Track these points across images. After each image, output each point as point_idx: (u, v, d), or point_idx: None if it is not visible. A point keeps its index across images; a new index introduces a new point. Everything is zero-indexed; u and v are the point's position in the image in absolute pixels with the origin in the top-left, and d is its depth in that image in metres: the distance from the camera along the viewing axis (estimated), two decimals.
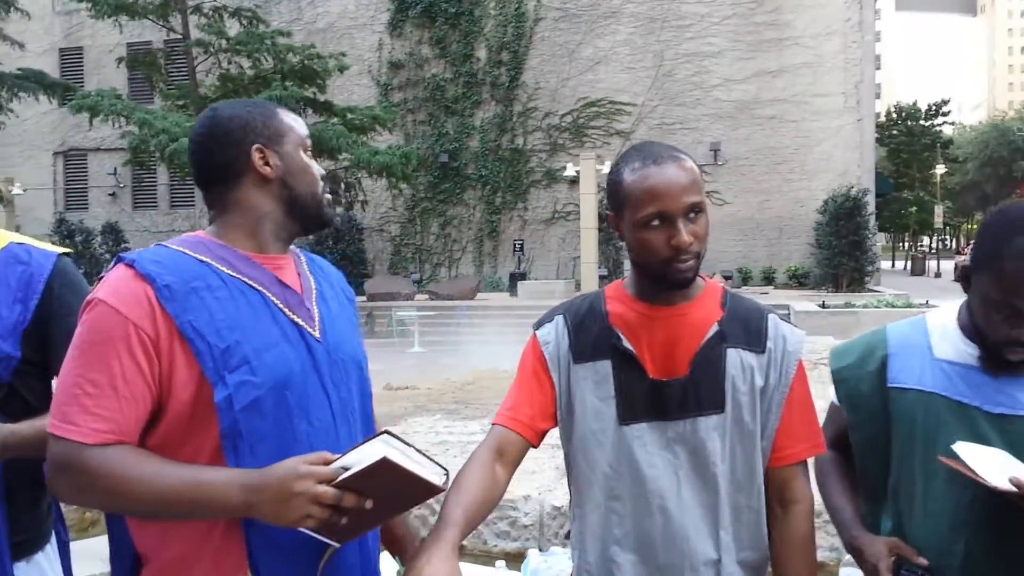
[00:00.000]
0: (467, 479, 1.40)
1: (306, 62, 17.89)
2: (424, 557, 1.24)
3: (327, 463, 1.19)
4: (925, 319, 1.62)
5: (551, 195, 23.12)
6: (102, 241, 23.62)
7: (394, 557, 1.55)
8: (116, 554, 1.35)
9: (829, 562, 3.48)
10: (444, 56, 23.71)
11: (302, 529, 1.20)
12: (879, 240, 29.01)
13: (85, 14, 19.72)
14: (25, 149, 26.92)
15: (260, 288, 1.35)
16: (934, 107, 44.61)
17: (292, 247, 1.49)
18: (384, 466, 1.15)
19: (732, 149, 21.78)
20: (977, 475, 1.33)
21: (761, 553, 1.50)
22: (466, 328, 16.07)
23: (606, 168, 14.44)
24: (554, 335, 1.54)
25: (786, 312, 14.61)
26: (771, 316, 1.53)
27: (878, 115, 36.76)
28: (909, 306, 14.71)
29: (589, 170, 17.27)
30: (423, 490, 1.24)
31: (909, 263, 42.43)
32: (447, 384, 9.83)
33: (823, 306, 15.35)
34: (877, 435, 1.58)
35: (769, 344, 1.49)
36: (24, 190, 23.38)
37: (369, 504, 1.19)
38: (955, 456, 1.38)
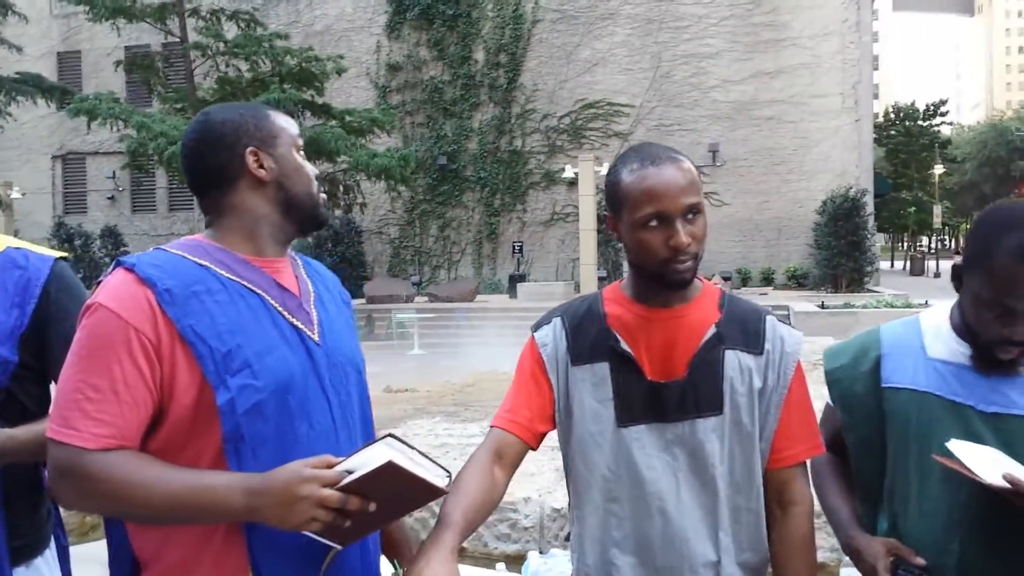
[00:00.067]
0: (466, 482, 1.40)
1: (304, 65, 17.90)
2: (423, 560, 1.24)
3: (330, 466, 1.20)
4: (919, 319, 1.62)
5: (550, 197, 23.13)
6: (101, 245, 23.63)
7: (391, 561, 1.55)
8: (115, 559, 1.35)
9: (830, 563, 3.48)
10: (442, 58, 23.73)
11: (305, 532, 1.20)
12: (878, 240, 29.04)
13: (83, 17, 19.73)
14: (23, 153, 26.93)
15: (259, 291, 1.35)
16: (932, 107, 44.65)
17: (289, 251, 1.49)
18: (389, 470, 1.15)
19: (730, 150, 21.79)
20: (971, 472, 1.33)
21: (761, 555, 1.50)
22: (465, 330, 16.07)
23: (604, 169, 14.43)
24: (552, 337, 1.54)
25: (785, 313, 14.62)
26: (769, 317, 1.53)
27: (876, 115, 36.75)
28: (908, 306, 14.71)
29: (588, 172, 17.27)
30: (426, 493, 1.24)
31: (908, 263, 42.48)
32: (447, 386, 9.82)
33: (822, 307, 15.36)
34: (872, 436, 1.58)
35: (767, 346, 1.49)
36: (23, 194, 23.39)
37: (373, 507, 1.20)
38: (950, 454, 1.38)
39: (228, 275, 1.33)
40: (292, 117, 1.57)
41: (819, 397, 1.60)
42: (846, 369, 1.63)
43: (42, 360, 1.63)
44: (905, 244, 60.15)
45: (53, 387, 1.48)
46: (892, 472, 1.56)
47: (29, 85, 20.41)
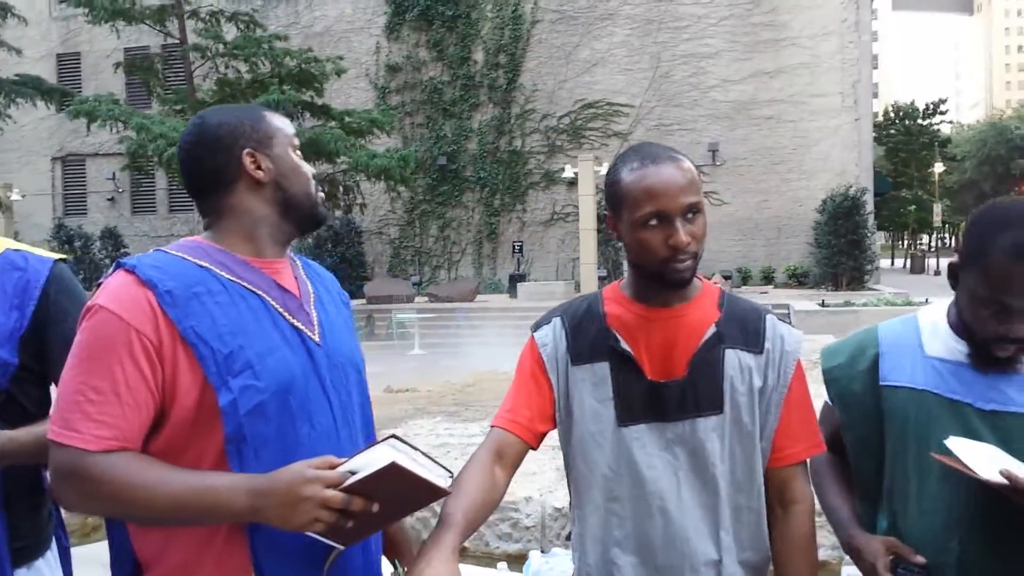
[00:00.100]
0: (466, 481, 1.40)
1: (303, 66, 17.89)
2: (424, 560, 1.24)
3: (333, 467, 1.20)
4: (916, 317, 1.63)
5: (550, 197, 23.13)
6: (101, 246, 23.63)
7: (391, 562, 1.55)
8: (116, 560, 1.35)
9: (831, 561, 3.48)
10: (441, 59, 23.73)
11: (307, 533, 1.20)
12: (878, 239, 29.01)
13: (82, 19, 19.74)
14: (23, 155, 26.92)
15: (260, 292, 1.35)
16: (932, 106, 44.62)
17: (288, 252, 1.49)
18: (392, 470, 1.16)
19: (730, 150, 21.79)
20: (969, 469, 1.34)
21: (762, 554, 1.50)
22: (466, 330, 16.06)
23: (604, 169, 14.43)
24: (552, 337, 1.54)
25: (786, 311, 14.62)
26: (769, 316, 1.53)
27: (876, 114, 36.78)
28: (909, 304, 14.72)
29: (587, 171, 17.26)
30: (429, 493, 1.24)
31: (908, 261, 42.46)
32: (447, 386, 9.82)
33: (823, 305, 15.36)
34: (870, 434, 1.58)
35: (767, 344, 1.49)
36: (23, 196, 23.39)
37: (376, 508, 1.20)
38: (948, 452, 1.38)
39: (228, 276, 1.33)
40: (292, 118, 1.57)
41: (819, 396, 1.60)
42: (843, 368, 1.63)
43: (42, 362, 1.64)
44: (905, 242, 60.14)
45: (53, 389, 1.48)
46: (891, 471, 1.56)
47: (29, 87, 20.41)
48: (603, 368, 1.48)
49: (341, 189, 19.41)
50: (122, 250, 23.18)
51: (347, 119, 18.28)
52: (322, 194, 1.51)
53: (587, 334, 1.51)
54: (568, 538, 1.63)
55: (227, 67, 18.27)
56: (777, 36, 21.55)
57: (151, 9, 17.92)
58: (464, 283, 20.98)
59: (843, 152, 21.32)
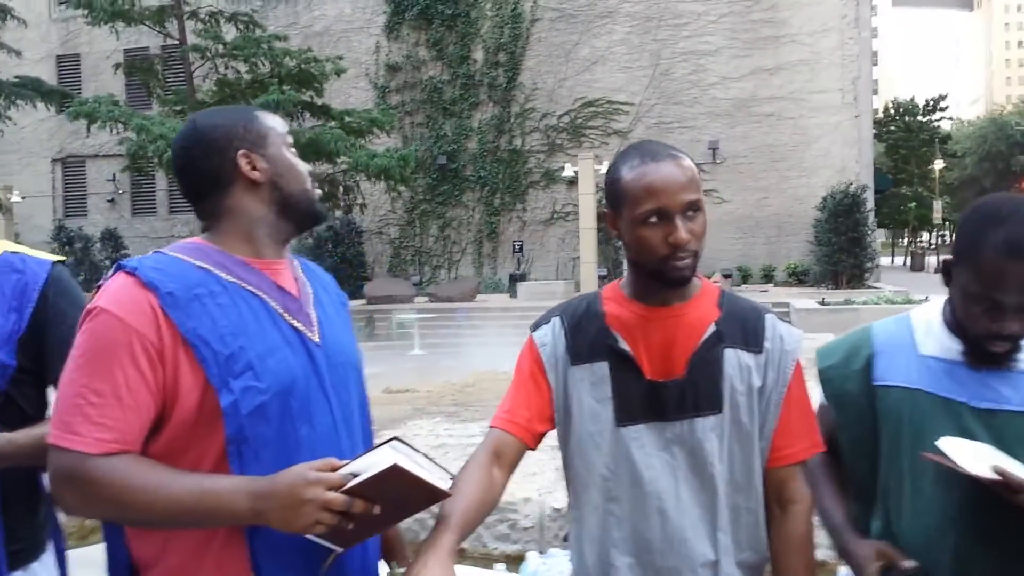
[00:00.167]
0: (465, 482, 1.39)
1: (303, 66, 17.87)
2: (421, 562, 1.24)
3: (334, 469, 1.20)
4: (910, 316, 1.63)
5: (550, 196, 23.12)
6: (101, 248, 23.62)
7: (388, 563, 1.54)
8: (111, 563, 1.35)
9: (830, 560, 3.47)
10: (441, 58, 23.72)
11: (307, 535, 1.20)
12: (878, 236, 29.01)
13: (82, 21, 19.71)
14: (23, 156, 26.92)
15: (260, 293, 1.35)
16: (932, 102, 44.60)
17: (287, 253, 1.48)
18: (394, 473, 1.16)
19: (730, 147, 21.78)
20: (960, 466, 1.33)
21: (760, 554, 1.50)
22: (466, 330, 16.05)
23: (604, 168, 14.43)
24: (551, 337, 1.54)
25: (786, 310, 14.61)
26: (768, 316, 1.53)
27: (876, 111, 36.76)
28: (909, 302, 14.69)
29: (587, 170, 17.26)
30: (430, 496, 1.24)
31: (909, 259, 42.44)
32: (447, 386, 9.80)
33: (823, 303, 15.34)
34: (865, 434, 1.58)
35: (767, 344, 1.49)
36: (23, 197, 23.36)
37: (377, 510, 1.20)
38: (940, 453, 1.38)
39: (228, 277, 1.33)
40: (292, 118, 1.57)
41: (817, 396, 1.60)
42: (838, 368, 1.63)
43: (40, 364, 1.64)
44: (906, 240, 60.09)
45: (51, 391, 1.48)
46: (885, 470, 1.56)
47: (28, 89, 20.40)
48: (602, 368, 1.48)
49: (341, 189, 19.40)
50: (122, 251, 23.17)
51: (347, 119, 18.25)
52: (319, 191, 1.50)
53: (586, 334, 1.51)
54: (566, 539, 1.63)
55: (227, 68, 18.25)
56: (777, 33, 21.53)
57: (150, 10, 17.90)
58: (464, 283, 20.97)
59: (843, 149, 21.30)
